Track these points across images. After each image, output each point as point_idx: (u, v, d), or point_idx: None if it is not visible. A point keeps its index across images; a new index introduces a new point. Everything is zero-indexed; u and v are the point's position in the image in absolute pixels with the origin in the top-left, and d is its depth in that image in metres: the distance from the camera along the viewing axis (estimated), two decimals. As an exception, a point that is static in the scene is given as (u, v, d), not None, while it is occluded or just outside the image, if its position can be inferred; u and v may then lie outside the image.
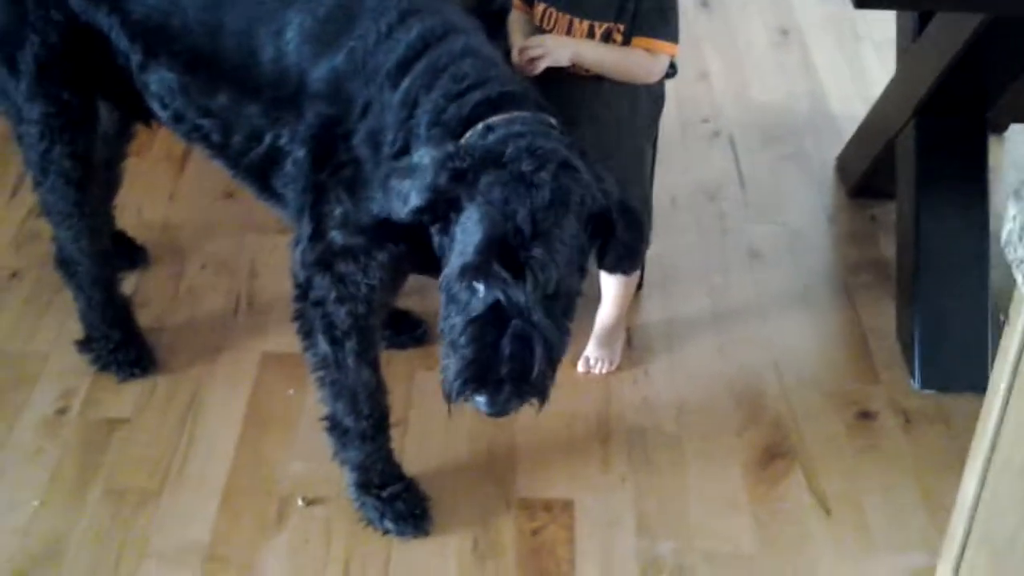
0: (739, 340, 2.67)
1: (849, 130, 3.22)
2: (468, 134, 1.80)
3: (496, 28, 2.28)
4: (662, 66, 2.22)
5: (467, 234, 1.70)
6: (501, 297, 1.67)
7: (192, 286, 2.79)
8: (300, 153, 1.98)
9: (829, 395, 2.53)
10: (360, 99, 1.90)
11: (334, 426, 2.17)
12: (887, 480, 2.34)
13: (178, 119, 2.12)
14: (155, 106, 2.15)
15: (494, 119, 1.80)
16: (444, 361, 1.77)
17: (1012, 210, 1.30)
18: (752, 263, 2.90)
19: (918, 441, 2.42)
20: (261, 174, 2.08)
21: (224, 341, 2.63)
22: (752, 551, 2.21)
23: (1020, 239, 1.28)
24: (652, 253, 2.66)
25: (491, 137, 1.76)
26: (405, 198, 1.73)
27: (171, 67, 2.06)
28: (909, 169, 2.77)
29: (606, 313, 2.51)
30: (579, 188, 1.72)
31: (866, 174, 3.06)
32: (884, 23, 3.43)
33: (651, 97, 2.31)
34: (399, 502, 2.21)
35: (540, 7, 2.23)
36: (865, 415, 2.48)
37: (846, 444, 2.41)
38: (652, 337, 2.68)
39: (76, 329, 2.55)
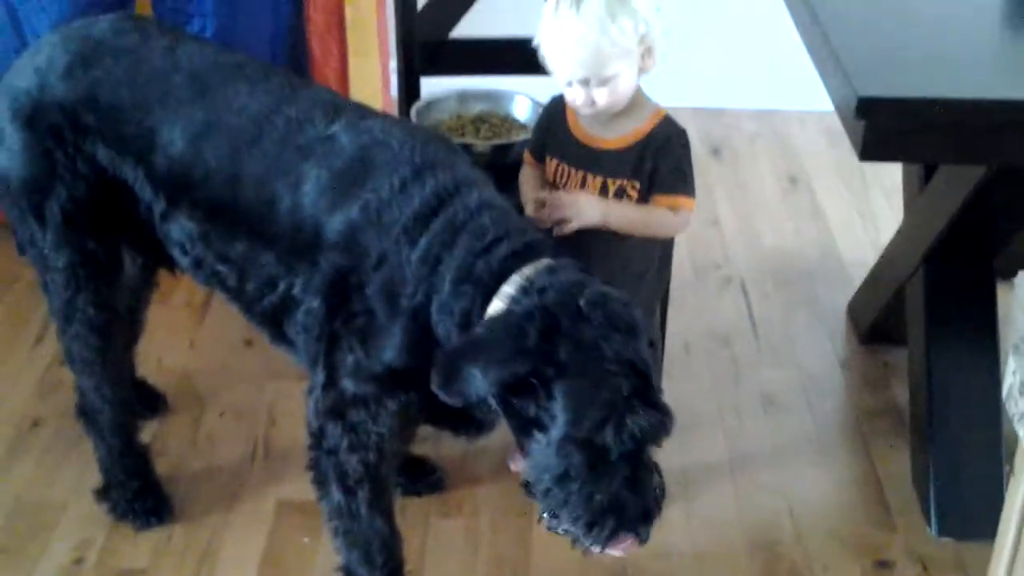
0: (754, 486, 2.67)
1: (860, 276, 3.26)
2: (510, 289, 1.81)
3: (509, 181, 2.33)
4: (684, 220, 2.24)
5: (585, 391, 1.71)
6: (649, 441, 1.75)
7: (210, 433, 2.81)
8: (315, 303, 2.00)
9: (846, 543, 2.51)
10: (375, 251, 1.92)
11: (348, 576, 2.16)
12: (906, 631, 2.31)
13: (198, 265, 2.15)
14: (176, 253, 2.19)
15: (526, 270, 1.82)
16: (563, 518, 1.80)
17: (1012, 365, 1.32)
18: (766, 408, 2.91)
19: (936, 590, 2.39)
20: (274, 320, 2.11)
21: (241, 489, 2.63)
22: None
23: (1021, 394, 1.30)
24: (666, 398, 2.67)
25: (549, 291, 1.77)
26: (482, 374, 1.72)
27: (192, 216, 2.10)
28: (919, 316, 2.79)
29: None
30: (643, 324, 1.79)
31: (877, 320, 3.09)
32: (893, 170, 3.50)
33: (661, 244, 2.35)
34: (412, 656, 2.19)
35: (553, 163, 2.25)
36: (883, 564, 2.46)
37: (864, 594, 2.39)
38: (668, 483, 2.63)
39: (95, 478, 2.55)
